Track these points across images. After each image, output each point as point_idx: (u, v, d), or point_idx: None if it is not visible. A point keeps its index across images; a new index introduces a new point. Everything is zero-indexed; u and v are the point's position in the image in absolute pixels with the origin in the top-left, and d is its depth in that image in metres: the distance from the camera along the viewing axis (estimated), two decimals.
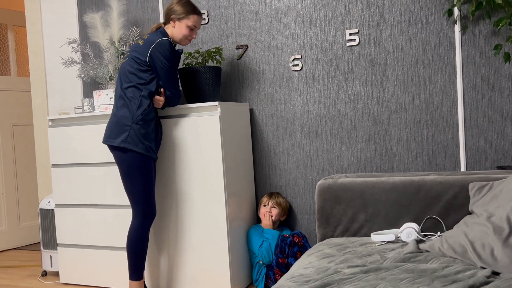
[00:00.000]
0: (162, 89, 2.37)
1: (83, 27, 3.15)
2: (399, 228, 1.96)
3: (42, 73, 3.31)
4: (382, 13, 2.47)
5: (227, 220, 2.40)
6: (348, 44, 2.53)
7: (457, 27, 2.33)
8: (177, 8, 2.38)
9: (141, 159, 2.29)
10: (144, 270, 2.39)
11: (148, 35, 2.40)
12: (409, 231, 1.85)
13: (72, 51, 3.11)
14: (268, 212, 2.56)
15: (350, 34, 2.53)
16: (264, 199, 2.63)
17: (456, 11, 2.31)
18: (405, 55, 2.43)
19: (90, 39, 3.01)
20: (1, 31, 3.99)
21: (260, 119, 2.75)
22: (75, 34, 3.22)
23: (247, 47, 2.75)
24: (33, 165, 4.02)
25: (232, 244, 2.44)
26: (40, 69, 3.32)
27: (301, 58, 2.64)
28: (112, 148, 2.33)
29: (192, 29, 2.41)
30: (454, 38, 2.34)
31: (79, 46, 3.07)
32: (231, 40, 2.79)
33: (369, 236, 2.00)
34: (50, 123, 2.83)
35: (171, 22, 2.40)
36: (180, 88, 2.64)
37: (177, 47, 2.85)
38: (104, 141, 2.33)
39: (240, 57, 2.77)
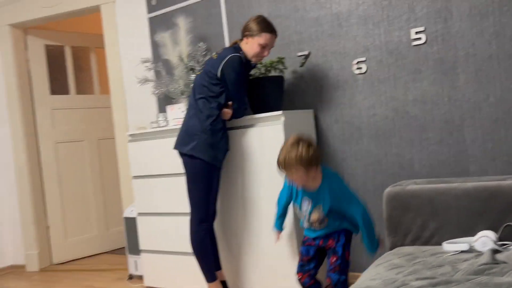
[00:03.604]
0: (230, 102, 2.47)
1: (155, 46, 3.34)
2: (473, 236, 1.86)
3: (121, 91, 3.57)
4: (449, 8, 2.35)
5: (294, 226, 2.43)
6: (414, 43, 2.44)
7: None
8: (252, 25, 2.44)
9: (206, 167, 2.42)
10: (215, 271, 2.50)
11: (223, 49, 2.52)
12: (484, 240, 1.75)
13: (146, 70, 3.32)
14: None
15: (416, 33, 2.43)
16: None
17: None
18: (476, 51, 2.29)
19: (162, 57, 3.20)
20: (85, 54, 4.36)
21: (325, 125, 2.74)
22: (148, 53, 3.43)
23: (309, 53, 2.76)
24: (117, 176, 4.35)
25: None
26: (119, 87, 3.59)
27: (365, 60, 2.59)
28: (181, 154, 2.49)
29: (263, 47, 2.45)
30: None
31: (152, 64, 3.27)
32: (293, 48, 2.81)
33: (441, 244, 1.92)
34: (129, 138, 3.05)
35: (244, 38, 2.48)
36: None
37: None
38: (175, 147, 2.50)
39: (302, 64, 2.78)
